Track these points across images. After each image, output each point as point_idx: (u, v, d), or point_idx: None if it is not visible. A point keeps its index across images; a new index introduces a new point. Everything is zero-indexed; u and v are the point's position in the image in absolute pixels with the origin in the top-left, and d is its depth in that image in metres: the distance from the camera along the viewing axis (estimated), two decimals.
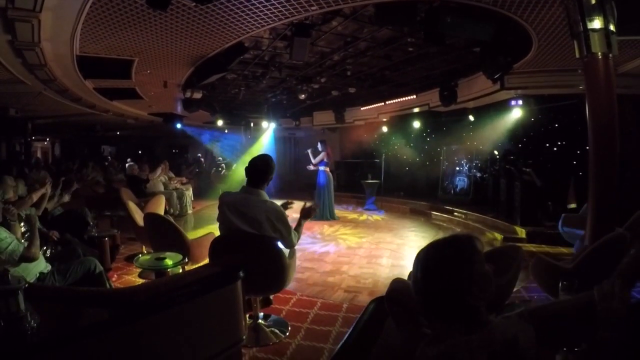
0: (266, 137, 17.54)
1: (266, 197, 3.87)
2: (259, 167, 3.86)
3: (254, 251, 3.74)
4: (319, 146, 11.37)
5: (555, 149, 10.53)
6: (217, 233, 4.06)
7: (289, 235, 3.86)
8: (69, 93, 8.43)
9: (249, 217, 3.70)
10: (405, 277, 3.46)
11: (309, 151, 11.80)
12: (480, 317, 1.45)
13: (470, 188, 11.55)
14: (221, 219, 3.85)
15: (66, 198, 6.35)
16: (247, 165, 3.90)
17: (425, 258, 1.52)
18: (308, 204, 4.29)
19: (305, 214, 4.20)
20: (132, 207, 6.74)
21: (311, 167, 11.59)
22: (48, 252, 4.32)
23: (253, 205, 3.73)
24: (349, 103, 13.82)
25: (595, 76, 4.34)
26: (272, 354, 3.75)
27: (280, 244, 3.88)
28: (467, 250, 1.48)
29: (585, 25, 4.15)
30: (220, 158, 19.05)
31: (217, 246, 3.85)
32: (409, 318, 1.75)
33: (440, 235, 9.09)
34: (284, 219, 3.83)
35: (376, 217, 11.86)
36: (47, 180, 5.30)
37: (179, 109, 12.21)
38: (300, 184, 16.59)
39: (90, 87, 8.07)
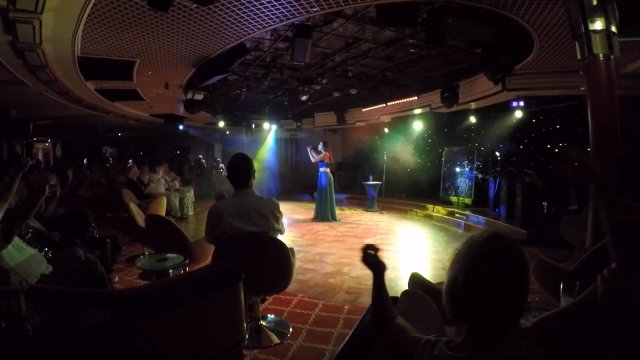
0: (271, 138, 17.69)
1: (257, 193, 3.94)
2: (241, 168, 3.88)
3: (260, 251, 3.75)
4: (320, 146, 11.36)
5: (556, 150, 10.53)
6: None
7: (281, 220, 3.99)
8: (70, 94, 8.44)
9: (254, 216, 3.71)
10: (407, 278, 3.45)
11: (309, 148, 11.78)
12: (506, 328, 1.40)
13: (472, 189, 11.54)
14: (221, 230, 3.72)
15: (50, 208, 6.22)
16: (228, 170, 3.93)
17: (481, 257, 1.40)
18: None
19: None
20: (134, 208, 6.74)
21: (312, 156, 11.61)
22: (49, 253, 4.31)
23: (253, 204, 3.76)
24: (350, 104, 13.85)
25: (596, 77, 4.34)
26: (273, 355, 3.74)
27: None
28: (526, 262, 1.41)
29: (586, 27, 4.15)
30: (219, 159, 19.06)
31: (222, 252, 3.79)
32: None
33: (441, 236, 9.09)
34: (279, 208, 3.94)
35: (377, 218, 11.88)
36: (52, 180, 5.20)
37: (180, 110, 12.22)
38: (302, 185, 16.59)
39: (92, 88, 8.08)
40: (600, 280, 1.36)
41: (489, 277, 1.35)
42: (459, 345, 1.45)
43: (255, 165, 4.13)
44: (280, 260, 3.84)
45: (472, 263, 1.40)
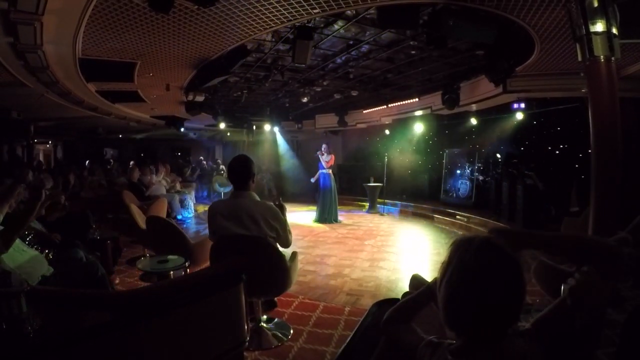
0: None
1: (256, 197, 3.89)
2: (238, 170, 3.86)
3: (252, 254, 3.72)
4: (324, 148, 11.35)
5: (557, 152, 10.53)
6: None
7: (284, 232, 3.88)
8: (71, 96, 8.44)
9: (246, 220, 3.69)
10: (407, 280, 3.45)
11: (319, 154, 11.57)
12: (504, 331, 1.37)
13: (473, 191, 11.54)
14: (215, 228, 3.78)
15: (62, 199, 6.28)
16: (227, 171, 3.92)
17: (476, 267, 1.35)
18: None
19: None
20: (135, 210, 6.74)
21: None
22: (50, 254, 4.31)
23: (247, 207, 3.73)
24: (351, 106, 13.86)
25: (597, 79, 4.33)
26: (274, 357, 3.75)
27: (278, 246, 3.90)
28: (518, 265, 1.37)
29: (587, 29, 4.14)
30: (219, 160, 19.09)
31: (215, 252, 3.82)
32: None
33: (442, 238, 9.08)
34: (279, 217, 3.84)
35: (378, 220, 11.89)
36: (46, 185, 5.22)
37: (181, 112, 12.22)
38: (304, 186, 16.59)
39: (93, 89, 8.09)
40: (569, 292, 1.36)
41: (489, 287, 1.32)
42: (458, 349, 1.43)
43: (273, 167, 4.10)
44: (271, 264, 3.81)
45: (469, 276, 1.36)
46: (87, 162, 15.42)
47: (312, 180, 11.91)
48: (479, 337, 1.37)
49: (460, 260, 1.39)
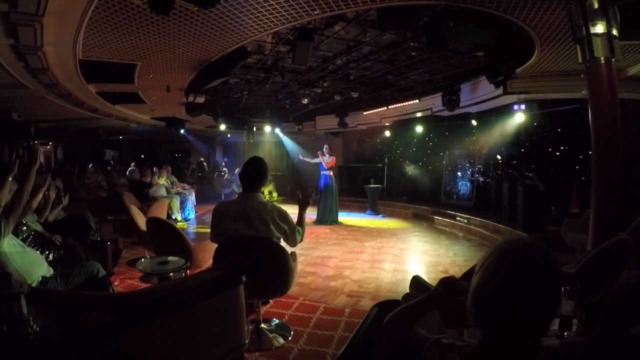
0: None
1: (263, 199, 3.88)
2: (254, 172, 3.83)
3: (259, 255, 3.72)
4: (325, 149, 11.36)
5: (557, 153, 10.51)
6: None
7: (292, 233, 3.86)
8: (72, 97, 8.45)
9: (254, 221, 3.68)
10: (408, 281, 3.45)
11: (320, 154, 11.56)
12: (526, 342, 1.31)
13: (473, 193, 11.53)
14: (222, 230, 3.76)
15: (65, 201, 6.27)
16: (242, 171, 3.89)
17: (517, 266, 1.29)
18: (301, 195, 4.23)
19: (303, 204, 4.15)
20: (135, 211, 6.73)
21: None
22: (50, 256, 4.31)
23: (255, 209, 3.71)
24: (351, 107, 13.86)
25: (598, 81, 4.33)
26: (274, 358, 3.74)
27: (284, 244, 3.89)
28: (560, 276, 1.32)
29: (588, 30, 4.14)
30: (223, 163, 19.10)
31: (221, 254, 3.81)
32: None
33: (442, 240, 9.08)
34: (287, 217, 3.83)
35: (378, 221, 11.89)
36: (49, 183, 5.23)
37: (182, 113, 12.23)
38: (303, 187, 16.57)
39: (93, 91, 8.09)
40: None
41: (523, 287, 1.26)
42: (473, 353, 1.38)
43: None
44: (279, 265, 3.81)
45: (506, 270, 1.30)
46: (90, 165, 15.42)
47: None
48: (499, 340, 1.32)
49: (503, 252, 1.34)
